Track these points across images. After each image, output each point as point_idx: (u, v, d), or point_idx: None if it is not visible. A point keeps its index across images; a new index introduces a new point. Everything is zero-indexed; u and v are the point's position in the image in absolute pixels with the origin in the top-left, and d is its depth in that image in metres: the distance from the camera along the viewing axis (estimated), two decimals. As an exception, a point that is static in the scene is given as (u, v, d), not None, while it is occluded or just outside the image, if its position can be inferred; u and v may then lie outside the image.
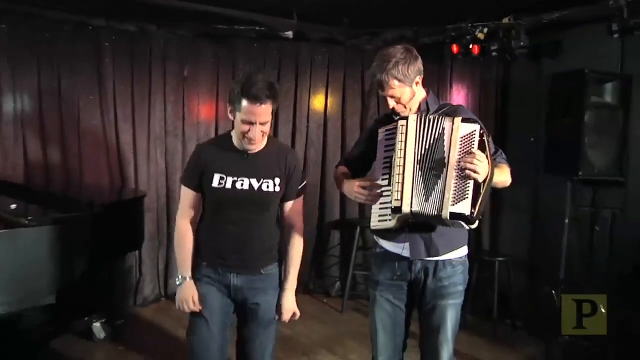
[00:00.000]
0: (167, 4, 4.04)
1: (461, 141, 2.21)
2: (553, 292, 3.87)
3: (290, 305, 2.57)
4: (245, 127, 2.32)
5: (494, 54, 4.54)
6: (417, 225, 2.35)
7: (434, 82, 4.99)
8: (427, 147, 2.27)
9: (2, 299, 2.60)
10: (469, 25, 4.58)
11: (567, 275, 3.99)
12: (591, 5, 3.89)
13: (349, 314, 4.91)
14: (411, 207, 2.24)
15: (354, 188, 2.39)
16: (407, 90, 2.35)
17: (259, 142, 2.40)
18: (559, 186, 4.10)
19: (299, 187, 2.56)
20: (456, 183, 2.19)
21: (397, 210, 2.25)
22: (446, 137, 2.23)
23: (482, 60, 4.81)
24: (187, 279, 2.48)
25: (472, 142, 2.20)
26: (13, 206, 3.19)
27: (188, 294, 2.46)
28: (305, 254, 5.54)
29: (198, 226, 2.57)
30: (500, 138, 4.99)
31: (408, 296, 2.53)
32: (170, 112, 4.93)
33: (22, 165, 4.43)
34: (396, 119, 2.41)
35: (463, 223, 2.21)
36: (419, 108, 2.43)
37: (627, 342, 3.34)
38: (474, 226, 2.25)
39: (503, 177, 2.38)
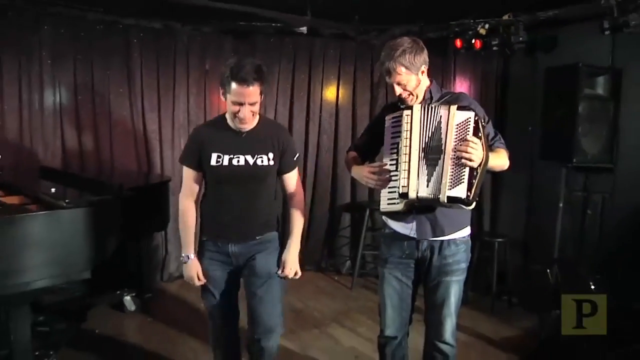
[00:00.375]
0: (191, 3, 4.06)
1: (457, 128, 2.23)
2: (548, 270, 3.90)
3: (292, 260, 2.66)
4: (236, 108, 2.36)
5: (494, 48, 4.52)
6: (423, 208, 2.38)
7: (439, 75, 4.98)
8: (429, 135, 2.28)
9: (46, 273, 2.66)
10: (472, 21, 4.57)
11: (560, 254, 4.01)
12: (584, 4, 3.91)
13: (358, 291, 4.94)
14: (417, 192, 2.27)
15: (364, 173, 2.42)
16: (413, 78, 2.35)
17: (249, 121, 2.44)
18: (553, 172, 4.10)
19: (294, 158, 2.61)
20: (452, 168, 2.22)
21: (404, 195, 2.28)
22: (443, 125, 2.25)
23: (484, 54, 4.80)
24: (191, 257, 2.57)
25: (467, 129, 2.22)
26: (53, 190, 3.24)
27: (193, 272, 2.56)
28: (317, 234, 5.63)
29: (201, 203, 2.63)
30: (499, 127, 4.95)
31: (415, 274, 2.56)
32: (193, 103, 4.96)
33: (61, 152, 4.50)
34: (402, 107, 2.42)
35: (461, 205, 2.24)
36: (424, 97, 2.44)
37: (618, 318, 3.35)
38: (471, 207, 2.28)
39: (500, 161, 2.40)
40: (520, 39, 4.31)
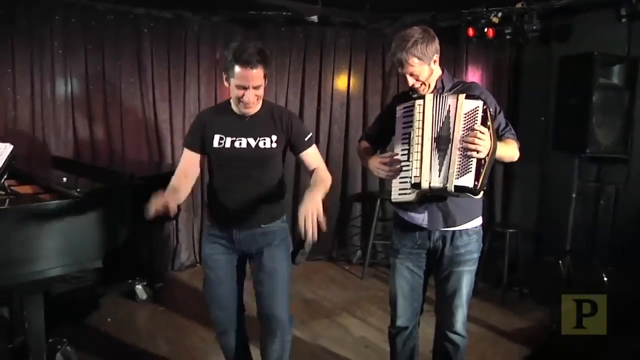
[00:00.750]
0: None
1: (465, 117, 2.21)
2: (560, 262, 3.88)
3: (308, 204, 2.18)
4: (240, 92, 2.34)
5: (507, 37, 4.48)
6: (434, 198, 2.37)
7: (451, 64, 4.94)
8: (440, 125, 2.27)
9: (59, 262, 2.70)
10: (484, 9, 4.52)
11: (572, 246, 3.99)
12: (600, -9, 3.84)
13: (369, 281, 4.95)
14: (429, 182, 2.26)
15: (374, 164, 2.42)
16: (425, 68, 2.34)
17: (254, 105, 2.42)
18: (566, 163, 4.07)
19: (306, 138, 2.55)
20: (460, 158, 2.21)
21: (416, 186, 2.28)
22: (451, 114, 2.24)
23: (496, 43, 4.75)
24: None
25: (476, 118, 2.20)
26: (64, 179, 3.27)
27: (160, 197, 2.32)
28: (328, 224, 5.62)
29: (207, 190, 2.64)
30: (512, 117, 4.93)
31: (426, 264, 2.56)
32: (204, 92, 4.96)
33: (72, 142, 4.53)
34: (414, 96, 2.41)
35: (469, 194, 2.24)
36: (435, 86, 2.43)
37: (627, 308, 3.34)
38: (479, 196, 2.27)
39: (509, 151, 2.38)
40: (534, 27, 4.26)
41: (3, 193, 2.90)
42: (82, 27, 4.45)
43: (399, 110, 2.42)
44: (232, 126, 2.47)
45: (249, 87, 2.33)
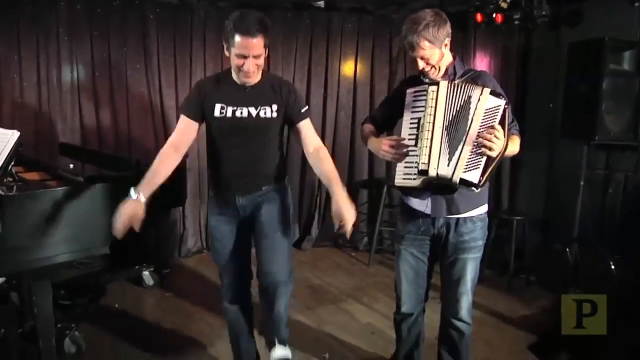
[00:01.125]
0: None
1: (485, 113, 2.20)
2: (567, 249, 3.87)
3: (345, 207, 2.39)
4: (240, 62, 2.34)
5: (516, 22, 4.43)
6: (439, 186, 2.35)
7: (458, 50, 4.90)
8: (454, 113, 2.25)
9: (66, 248, 2.71)
10: (493, -5, 4.48)
11: (580, 233, 3.97)
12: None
13: (375, 267, 4.96)
14: (437, 170, 2.25)
15: (381, 146, 2.38)
16: (436, 52, 2.31)
17: (254, 74, 2.41)
18: (575, 150, 4.04)
19: (302, 110, 2.57)
20: (472, 152, 2.20)
21: (423, 172, 2.26)
22: (472, 106, 2.21)
23: (505, 29, 4.71)
24: (139, 197, 2.36)
25: (495, 116, 2.19)
26: (71, 166, 3.28)
27: (130, 210, 2.32)
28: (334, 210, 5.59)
29: (207, 160, 2.67)
30: (520, 104, 4.92)
31: (431, 250, 2.56)
32: (210, 78, 4.96)
33: (79, 128, 4.55)
34: (425, 81, 2.39)
35: (469, 188, 2.23)
36: (446, 72, 2.40)
37: (634, 296, 3.33)
38: (477, 191, 2.26)
39: (513, 148, 2.36)
40: (543, 12, 4.21)
41: (11, 180, 2.91)
42: (87, 13, 4.45)
43: (409, 94, 2.40)
44: (233, 95, 2.48)
45: (249, 56, 2.32)
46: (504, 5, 4.38)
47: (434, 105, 2.26)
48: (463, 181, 2.21)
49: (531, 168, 4.89)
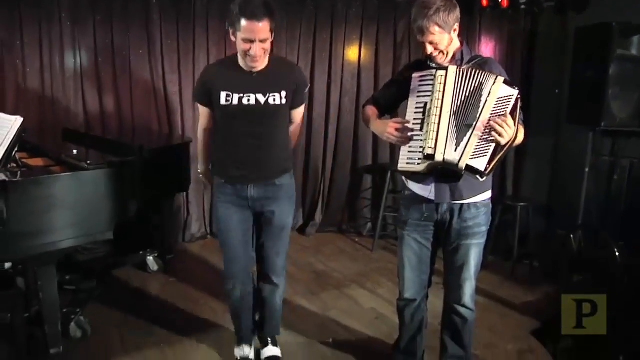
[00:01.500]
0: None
1: (497, 102, 2.17)
2: (571, 236, 3.86)
3: None
4: (247, 46, 2.31)
5: (522, 7, 4.40)
6: (443, 171, 2.34)
7: (463, 35, 4.83)
8: (463, 99, 2.22)
9: (70, 234, 2.73)
10: (499, -22, 4.43)
11: (584, 220, 3.96)
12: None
13: (379, 253, 4.97)
14: (444, 155, 2.23)
15: (386, 128, 2.35)
16: (445, 37, 2.29)
17: (260, 59, 2.38)
18: (580, 136, 4.02)
19: (304, 93, 2.61)
20: (480, 139, 2.18)
21: (429, 157, 2.24)
22: (484, 93, 2.19)
23: (511, 13, 4.67)
24: (205, 169, 2.81)
25: (507, 106, 2.17)
26: (75, 152, 3.28)
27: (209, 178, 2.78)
28: (339, 196, 5.67)
29: (214, 145, 2.65)
30: (525, 89, 4.87)
31: (434, 236, 2.55)
32: (213, 64, 4.94)
33: (82, 114, 4.55)
34: (432, 66, 2.36)
35: (475, 175, 2.22)
36: (453, 57, 2.38)
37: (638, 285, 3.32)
38: (482, 179, 2.25)
39: (519, 138, 2.34)
40: (550, -4, 4.17)
41: (15, 166, 2.92)
42: (90, -1, 4.42)
43: (416, 78, 2.37)
44: (240, 82, 2.44)
45: (255, 40, 2.29)
46: (510, -12, 4.34)
47: (441, 90, 2.24)
48: (469, 168, 2.20)
49: (536, 154, 4.86)
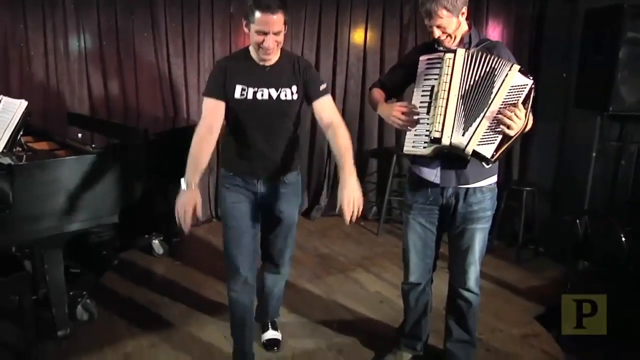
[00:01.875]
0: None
1: (510, 90, 2.15)
2: (577, 221, 3.84)
3: (347, 192, 2.21)
4: (260, 38, 2.29)
5: (530, -12, 4.33)
6: (449, 156, 2.32)
7: (470, 19, 4.79)
8: (472, 83, 2.20)
9: (76, 217, 2.75)
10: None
11: (590, 205, 3.95)
12: None
13: (384, 237, 4.98)
14: (451, 139, 2.21)
15: (392, 112, 2.34)
16: (453, 21, 2.26)
17: (273, 52, 2.37)
18: (588, 120, 3.98)
19: (321, 86, 2.49)
20: (489, 126, 2.16)
21: (436, 141, 2.23)
22: (497, 80, 2.16)
23: (519, -5, 4.61)
24: (192, 187, 2.30)
25: (520, 95, 2.15)
26: (80, 135, 3.29)
27: (190, 199, 2.27)
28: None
29: (224, 140, 2.60)
30: (533, 74, 4.82)
31: (439, 220, 2.55)
32: (218, 47, 4.90)
33: (87, 98, 4.55)
34: (440, 49, 2.34)
35: (481, 161, 2.20)
36: (461, 40, 2.35)
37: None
38: (488, 166, 2.24)
39: (527, 126, 2.32)
40: (559, -22, 4.11)
41: (20, 149, 2.93)
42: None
43: (423, 61, 2.35)
44: (254, 76, 2.43)
45: (269, 32, 2.28)
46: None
47: (449, 73, 2.21)
48: (476, 153, 2.18)
49: (543, 139, 4.83)
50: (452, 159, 2.33)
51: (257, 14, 2.25)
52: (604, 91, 3.62)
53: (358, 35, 5.21)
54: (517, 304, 3.66)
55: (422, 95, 2.32)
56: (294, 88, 2.46)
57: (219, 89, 2.45)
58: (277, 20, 2.27)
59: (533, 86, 2.16)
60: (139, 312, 3.39)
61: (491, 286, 3.84)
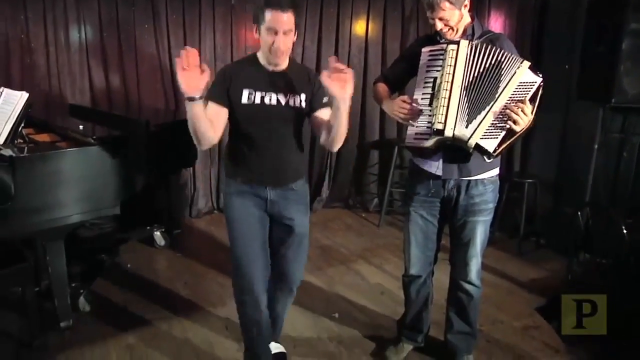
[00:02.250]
0: None
1: (518, 86, 2.14)
2: (579, 213, 3.84)
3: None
4: (271, 39, 2.23)
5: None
6: (451, 148, 2.32)
7: (473, 10, 4.77)
8: (476, 74, 2.19)
9: (78, 209, 2.75)
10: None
11: (592, 197, 3.94)
12: None
13: (386, 228, 4.98)
14: (454, 131, 2.20)
15: (394, 106, 2.34)
16: (456, 13, 2.25)
17: (283, 55, 2.30)
18: (590, 112, 3.97)
19: (324, 99, 2.44)
20: (495, 121, 2.16)
21: (439, 132, 2.22)
22: (504, 75, 2.15)
23: (521, -13, 4.58)
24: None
25: (528, 92, 2.14)
26: (81, 127, 3.29)
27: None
28: (345, 172, 5.67)
29: (229, 145, 2.52)
30: (535, 65, 4.80)
31: (440, 212, 2.54)
32: (219, 39, 4.88)
33: (88, 90, 4.54)
34: (442, 41, 2.33)
35: (483, 155, 2.19)
36: (464, 32, 2.34)
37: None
38: (489, 160, 2.23)
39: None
40: (562, -32, 4.08)
41: (22, 141, 2.93)
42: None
43: (425, 53, 2.34)
44: (262, 81, 2.35)
45: (279, 31, 2.23)
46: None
47: (453, 64, 2.20)
48: (478, 147, 2.18)
49: (544, 131, 4.81)
50: (454, 151, 2.32)
51: (268, 14, 2.21)
52: (607, 83, 3.59)
53: (360, 27, 5.20)
54: (518, 296, 3.66)
55: (424, 87, 2.31)
56: (303, 96, 2.39)
57: (222, 94, 2.37)
58: (287, 19, 2.23)
59: (541, 85, 2.15)
60: (141, 304, 3.40)
61: (492, 278, 3.85)
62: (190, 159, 4.32)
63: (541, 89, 2.15)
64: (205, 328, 3.15)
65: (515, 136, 2.18)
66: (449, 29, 2.29)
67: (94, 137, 2.96)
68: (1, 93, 2.98)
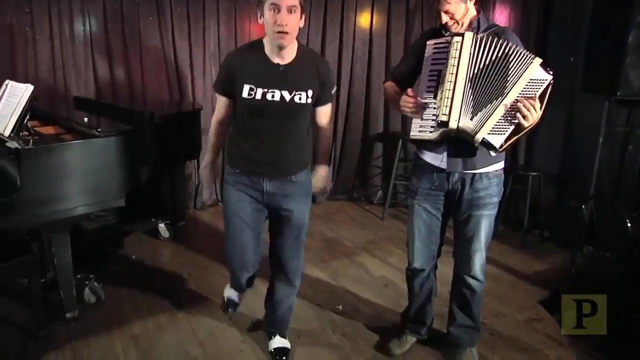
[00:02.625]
0: None
1: (529, 83, 2.12)
2: (583, 206, 3.83)
3: (322, 175, 2.68)
4: (274, 18, 2.16)
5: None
6: (456, 141, 2.31)
7: (478, 3, 4.74)
8: (481, 67, 2.17)
9: (83, 201, 2.76)
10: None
11: (597, 190, 3.93)
12: None
13: (389, 221, 4.98)
14: (458, 123, 2.19)
15: (401, 102, 2.32)
16: (461, 6, 2.25)
17: (290, 34, 2.20)
18: (595, 105, 3.94)
19: (331, 92, 2.47)
20: (503, 116, 2.14)
21: (443, 124, 2.20)
22: (513, 69, 2.13)
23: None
24: (211, 161, 2.67)
25: (538, 89, 2.12)
26: (86, 119, 3.29)
27: (212, 173, 2.68)
28: (349, 164, 5.66)
29: (230, 135, 2.53)
30: (540, 57, 4.78)
31: (444, 206, 2.53)
32: (223, 31, 4.87)
33: (93, 82, 4.53)
34: (446, 34, 2.32)
35: (488, 150, 2.19)
36: (470, 25, 2.33)
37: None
38: (494, 155, 2.23)
39: None
40: (568, -39, 4.04)
41: (27, 134, 2.93)
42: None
43: (430, 46, 2.33)
44: (265, 76, 2.30)
45: (282, 7, 2.15)
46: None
47: (457, 56, 2.19)
48: (484, 141, 2.16)
49: (549, 123, 4.75)
50: (459, 143, 2.31)
51: None
52: (612, 76, 3.57)
53: (364, 19, 5.17)
54: (522, 289, 3.66)
55: (429, 80, 2.30)
56: (310, 92, 2.34)
57: (226, 85, 2.38)
58: None
59: (551, 83, 2.13)
60: (145, 295, 3.41)
61: (496, 271, 3.85)
62: (195, 151, 4.32)
63: (550, 86, 2.14)
64: (209, 319, 3.16)
65: (522, 133, 2.16)
66: (454, 22, 2.28)
67: (99, 130, 2.96)
68: (6, 86, 2.98)
